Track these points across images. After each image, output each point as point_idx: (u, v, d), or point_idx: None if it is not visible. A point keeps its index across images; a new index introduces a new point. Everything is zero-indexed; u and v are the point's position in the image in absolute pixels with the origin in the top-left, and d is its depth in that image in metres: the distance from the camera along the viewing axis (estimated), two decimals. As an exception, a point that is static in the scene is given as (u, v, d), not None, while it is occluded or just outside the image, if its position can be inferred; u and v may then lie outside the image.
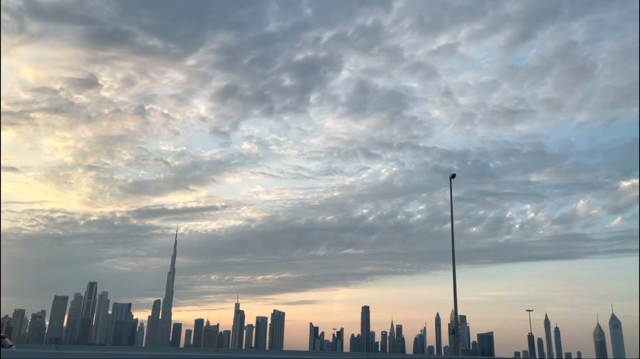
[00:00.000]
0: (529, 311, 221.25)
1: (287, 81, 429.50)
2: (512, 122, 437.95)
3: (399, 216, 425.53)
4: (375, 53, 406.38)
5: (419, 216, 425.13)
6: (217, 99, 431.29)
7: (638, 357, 37.95)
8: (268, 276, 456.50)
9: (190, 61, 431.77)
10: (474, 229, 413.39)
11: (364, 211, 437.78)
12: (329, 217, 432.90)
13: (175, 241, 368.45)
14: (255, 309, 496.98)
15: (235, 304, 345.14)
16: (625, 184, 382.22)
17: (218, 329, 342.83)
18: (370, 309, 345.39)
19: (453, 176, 43.16)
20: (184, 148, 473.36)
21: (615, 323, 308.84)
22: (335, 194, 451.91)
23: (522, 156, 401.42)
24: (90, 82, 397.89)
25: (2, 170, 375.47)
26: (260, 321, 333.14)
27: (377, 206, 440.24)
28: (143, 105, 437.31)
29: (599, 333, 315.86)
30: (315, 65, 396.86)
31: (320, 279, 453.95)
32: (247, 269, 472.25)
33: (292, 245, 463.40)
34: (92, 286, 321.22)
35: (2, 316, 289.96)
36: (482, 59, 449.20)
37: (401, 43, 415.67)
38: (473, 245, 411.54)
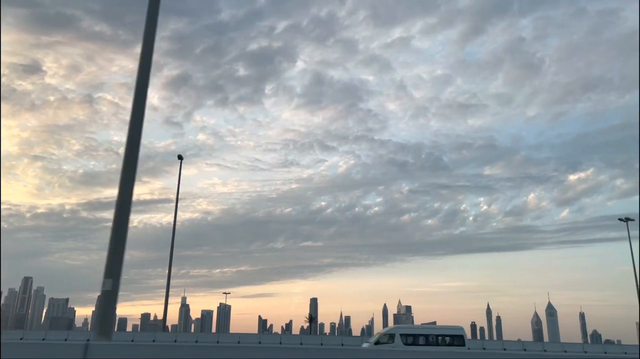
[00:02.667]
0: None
1: (242, 71, 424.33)
2: (464, 116, 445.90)
3: (357, 209, 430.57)
4: (330, 44, 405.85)
5: (376, 209, 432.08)
6: (170, 88, 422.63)
7: (638, 357, 38.96)
8: (225, 270, 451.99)
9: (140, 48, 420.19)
10: (429, 221, 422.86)
11: (322, 203, 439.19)
12: (287, 210, 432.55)
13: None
14: (212, 303, 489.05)
15: (182, 297, 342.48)
16: (571, 177, 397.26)
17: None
18: (326, 301, 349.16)
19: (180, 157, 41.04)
20: None
21: (551, 311, 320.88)
22: (293, 186, 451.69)
23: (475, 149, 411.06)
24: (33, 68, 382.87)
25: None
26: (206, 314, 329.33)
27: (336, 199, 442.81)
28: (91, 93, 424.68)
29: (536, 321, 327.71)
30: (270, 56, 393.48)
31: (279, 271, 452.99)
32: (204, 263, 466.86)
33: (250, 238, 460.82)
34: (27, 281, 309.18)
35: None
36: (436, 53, 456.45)
37: (356, 35, 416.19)
38: (429, 237, 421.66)
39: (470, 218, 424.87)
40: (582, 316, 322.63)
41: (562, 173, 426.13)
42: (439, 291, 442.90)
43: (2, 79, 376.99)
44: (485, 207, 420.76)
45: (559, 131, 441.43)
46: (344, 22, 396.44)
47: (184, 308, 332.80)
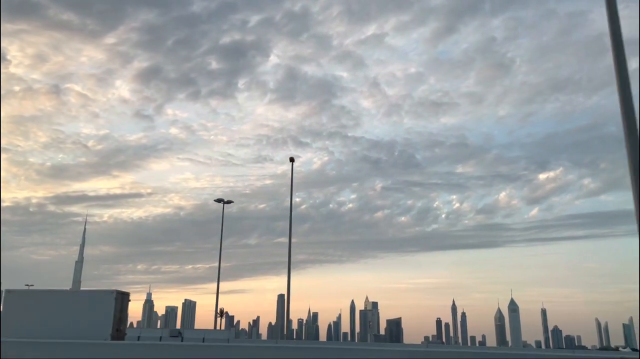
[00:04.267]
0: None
1: (214, 64, 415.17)
2: (437, 114, 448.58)
3: (331, 205, 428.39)
4: (304, 40, 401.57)
5: (350, 205, 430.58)
6: (140, 80, 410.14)
7: (638, 357, 38.47)
8: (198, 266, 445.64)
9: (110, 39, 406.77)
10: (402, 218, 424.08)
11: (297, 199, 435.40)
12: (261, 206, 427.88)
13: (85, 229, 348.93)
14: (180, 300, 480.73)
15: (147, 293, 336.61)
16: (541, 176, 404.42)
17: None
18: (298, 297, 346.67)
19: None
20: (107, 131, 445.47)
21: (513, 307, 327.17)
22: (267, 182, 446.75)
23: (447, 147, 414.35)
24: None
25: None
26: (170, 310, 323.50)
27: (310, 195, 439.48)
28: (58, 84, 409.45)
29: (499, 317, 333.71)
30: (243, 50, 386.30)
31: (252, 268, 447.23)
32: (176, 259, 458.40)
33: (223, 233, 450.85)
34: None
35: None
36: (410, 51, 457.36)
37: (330, 31, 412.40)
38: (402, 234, 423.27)
39: (443, 216, 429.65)
40: (543, 312, 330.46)
41: (531, 172, 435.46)
42: (410, 287, 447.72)
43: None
44: (457, 205, 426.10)
45: (529, 131, 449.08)
46: (317, 18, 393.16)
47: (148, 304, 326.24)
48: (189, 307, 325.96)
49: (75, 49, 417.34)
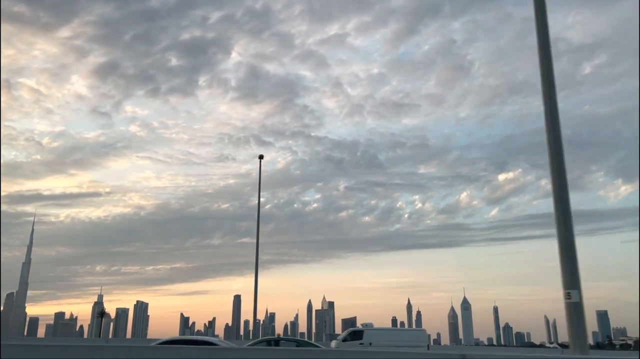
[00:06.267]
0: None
1: (174, 61, 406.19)
2: (398, 115, 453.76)
3: (295, 205, 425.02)
4: (266, 38, 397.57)
5: (315, 205, 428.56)
6: (97, 76, 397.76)
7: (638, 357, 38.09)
8: (159, 267, 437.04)
9: (64, 32, 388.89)
10: (366, 218, 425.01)
11: (261, 199, 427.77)
12: (225, 206, 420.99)
13: (32, 229, 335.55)
14: (133, 301, 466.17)
15: (99, 295, 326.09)
16: (500, 177, 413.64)
17: (76, 323, 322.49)
18: (260, 298, 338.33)
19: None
20: (63, 128, 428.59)
21: (466, 305, 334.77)
22: (231, 181, 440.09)
23: (408, 148, 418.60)
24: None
25: None
26: (121, 312, 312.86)
27: (274, 195, 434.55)
28: (9, 78, 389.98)
29: (452, 315, 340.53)
30: (204, 46, 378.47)
31: (215, 268, 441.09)
32: (137, 259, 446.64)
33: (186, 234, 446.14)
34: None
35: None
36: (373, 52, 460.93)
37: (292, 29, 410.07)
38: (365, 234, 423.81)
39: (406, 216, 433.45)
40: (495, 310, 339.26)
41: (491, 173, 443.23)
42: (370, 287, 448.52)
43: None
44: (419, 205, 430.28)
45: (488, 132, 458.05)
46: (279, 16, 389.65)
47: (97, 306, 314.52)
48: (141, 309, 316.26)
49: (28, 42, 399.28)
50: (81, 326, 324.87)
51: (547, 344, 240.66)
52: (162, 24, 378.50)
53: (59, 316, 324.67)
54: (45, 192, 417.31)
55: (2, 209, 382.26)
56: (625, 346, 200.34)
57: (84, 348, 13.61)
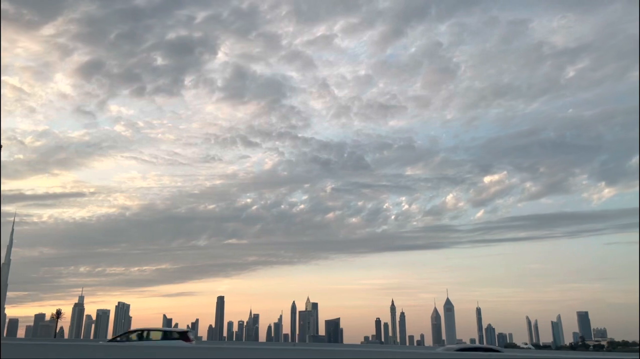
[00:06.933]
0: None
1: (160, 60, 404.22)
2: (385, 117, 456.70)
3: (282, 206, 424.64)
4: (252, 38, 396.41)
5: (302, 206, 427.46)
6: (80, 74, 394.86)
7: (638, 357, 37.58)
8: (145, 268, 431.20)
9: (47, 30, 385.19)
10: (353, 219, 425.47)
11: (248, 200, 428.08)
12: (211, 206, 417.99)
13: (12, 230, 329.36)
14: (134, 303, 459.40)
15: (80, 296, 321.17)
16: (486, 179, 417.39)
17: (57, 324, 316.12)
18: (245, 299, 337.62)
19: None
20: (46, 127, 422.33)
21: (449, 306, 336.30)
22: (217, 182, 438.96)
23: (395, 150, 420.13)
24: None
25: None
26: (102, 313, 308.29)
27: (261, 196, 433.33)
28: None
29: (435, 316, 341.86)
30: (190, 46, 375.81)
31: (201, 269, 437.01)
32: (122, 260, 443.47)
33: (171, 235, 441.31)
34: None
35: None
36: (360, 53, 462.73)
37: (279, 30, 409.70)
38: (353, 235, 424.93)
39: (392, 217, 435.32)
40: (478, 311, 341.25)
41: (476, 175, 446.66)
42: (356, 288, 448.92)
43: None
44: (406, 206, 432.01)
45: (473, 135, 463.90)
46: (266, 16, 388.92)
47: (77, 308, 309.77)
48: (123, 310, 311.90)
49: (10, 39, 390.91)
50: (61, 328, 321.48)
51: (521, 345, 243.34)
52: (148, 23, 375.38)
53: (39, 317, 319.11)
54: (28, 192, 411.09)
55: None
56: (598, 347, 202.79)
57: (81, 346, 13.35)
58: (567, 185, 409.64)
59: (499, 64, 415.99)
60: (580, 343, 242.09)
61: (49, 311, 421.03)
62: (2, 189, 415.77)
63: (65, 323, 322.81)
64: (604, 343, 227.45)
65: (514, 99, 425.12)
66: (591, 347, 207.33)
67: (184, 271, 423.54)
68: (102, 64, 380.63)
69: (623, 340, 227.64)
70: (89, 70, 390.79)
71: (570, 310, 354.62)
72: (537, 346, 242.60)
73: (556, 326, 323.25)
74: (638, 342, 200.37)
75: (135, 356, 13.03)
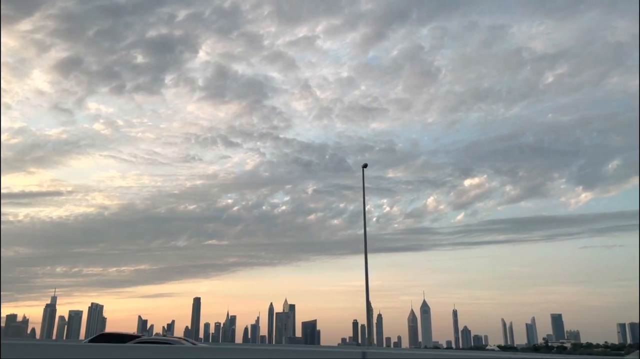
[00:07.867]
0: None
1: (140, 58, 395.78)
2: (366, 119, 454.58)
3: (264, 207, 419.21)
4: (234, 38, 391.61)
5: (283, 207, 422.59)
6: (58, 71, 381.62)
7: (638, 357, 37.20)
8: (123, 268, 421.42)
9: (24, 26, 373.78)
10: (335, 221, 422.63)
11: (229, 200, 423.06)
12: (191, 207, 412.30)
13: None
14: (110, 304, 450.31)
15: (52, 297, 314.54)
16: (466, 183, 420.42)
17: (28, 325, 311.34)
18: (223, 300, 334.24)
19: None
20: (24, 124, 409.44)
21: (425, 308, 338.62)
22: (198, 182, 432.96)
23: (376, 152, 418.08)
24: None
25: None
26: (74, 315, 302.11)
27: (242, 196, 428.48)
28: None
29: (412, 318, 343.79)
30: (171, 45, 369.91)
31: (181, 270, 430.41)
32: (100, 261, 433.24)
33: (151, 235, 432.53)
34: None
35: None
36: (342, 55, 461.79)
37: (260, 30, 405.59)
38: (334, 237, 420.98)
39: (374, 219, 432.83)
40: (455, 314, 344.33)
41: (456, 178, 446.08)
42: (334, 290, 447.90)
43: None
44: (387, 208, 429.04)
45: (454, 138, 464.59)
46: (248, 16, 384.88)
47: (49, 309, 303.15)
48: (96, 311, 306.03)
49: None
50: (33, 329, 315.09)
51: (489, 347, 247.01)
52: (128, 20, 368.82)
53: (11, 318, 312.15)
54: (4, 191, 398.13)
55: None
56: (561, 349, 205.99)
57: (81, 346, 13.02)
58: (546, 189, 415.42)
59: (479, 69, 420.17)
60: (543, 344, 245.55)
61: (21, 311, 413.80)
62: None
63: (35, 324, 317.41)
64: (567, 344, 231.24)
65: (494, 103, 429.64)
66: (554, 349, 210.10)
67: (163, 272, 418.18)
68: (80, 60, 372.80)
69: (587, 342, 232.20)
70: (67, 67, 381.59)
71: (545, 313, 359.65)
72: (508, 348, 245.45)
73: (530, 328, 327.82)
74: (603, 344, 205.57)
75: (132, 356, 12.56)
